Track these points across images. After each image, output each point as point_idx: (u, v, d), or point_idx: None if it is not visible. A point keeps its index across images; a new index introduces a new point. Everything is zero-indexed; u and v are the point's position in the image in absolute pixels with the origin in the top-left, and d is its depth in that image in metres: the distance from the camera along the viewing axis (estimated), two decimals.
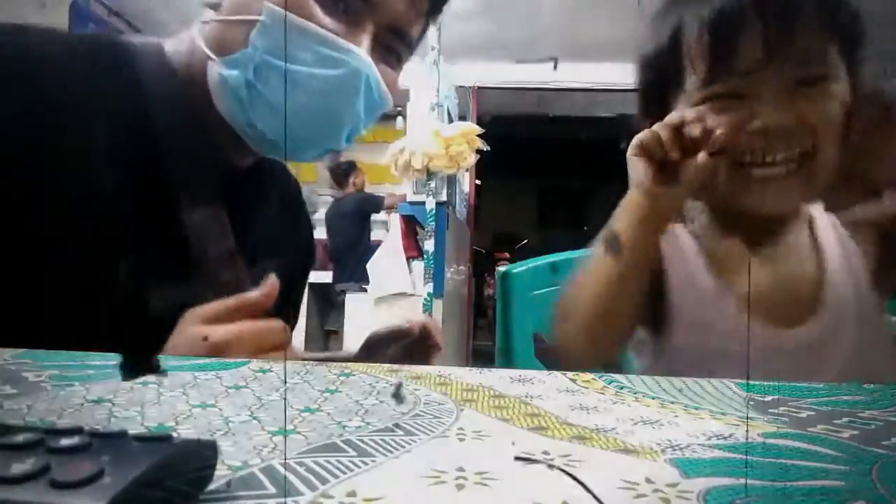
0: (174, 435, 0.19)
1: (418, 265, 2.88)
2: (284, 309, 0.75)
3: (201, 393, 0.33)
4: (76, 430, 0.18)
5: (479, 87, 4.31)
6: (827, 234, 0.65)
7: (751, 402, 0.34)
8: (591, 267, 0.59)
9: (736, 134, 0.57)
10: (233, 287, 0.55)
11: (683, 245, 0.66)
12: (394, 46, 0.60)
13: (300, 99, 0.54)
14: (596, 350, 0.61)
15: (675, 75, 0.63)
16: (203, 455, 0.20)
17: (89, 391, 0.32)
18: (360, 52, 0.55)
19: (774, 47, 0.56)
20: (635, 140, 0.57)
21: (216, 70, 0.54)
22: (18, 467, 0.16)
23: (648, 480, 0.22)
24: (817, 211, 0.67)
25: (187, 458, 0.19)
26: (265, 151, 0.60)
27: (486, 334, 5.58)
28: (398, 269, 2.95)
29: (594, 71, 4.24)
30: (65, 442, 0.18)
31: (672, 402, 0.34)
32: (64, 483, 0.15)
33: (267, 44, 0.52)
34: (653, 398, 0.35)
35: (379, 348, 0.69)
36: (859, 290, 0.63)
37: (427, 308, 2.72)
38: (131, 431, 0.19)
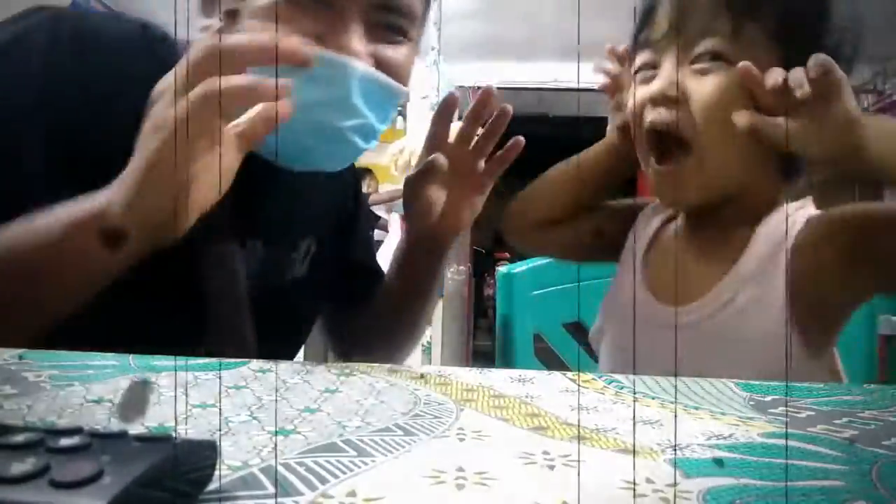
0: (174, 435, 0.19)
1: None
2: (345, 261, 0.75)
3: (201, 393, 0.33)
4: (76, 431, 0.18)
5: (479, 87, 4.32)
6: (765, 233, 0.62)
7: (751, 402, 0.34)
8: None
9: (641, 108, 0.62)
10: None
11: (647, 228, 0.73)
12: (392, 23, 0.57)
13: (302, 121, 0.49)
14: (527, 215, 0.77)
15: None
16: (203, 455, 0.20)
17: (89, 391, 0.32)
18: (352, 62, 0.52)
19: (677, 18, 0.59)
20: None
21: None
22: (18, 467, 0.16)
23: (648, 480, 0.22)
24: (781, 209, 0.64)
25: (187, 458, 0.19)
26: (288, 166, 0.58)
27: (486, 334, 5.58)
28: None
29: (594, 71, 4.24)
30: (65, 442, 0.18)
31: (672, 402, 0.34)
32: (64, 483, 0.15)
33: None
34: (653, 398, 0.35)
35: (418, 190, 0.65)
36: (768, 297, 0.60)
37: None
38: (131, 431, 0.19)
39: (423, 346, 2.71)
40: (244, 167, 0.52)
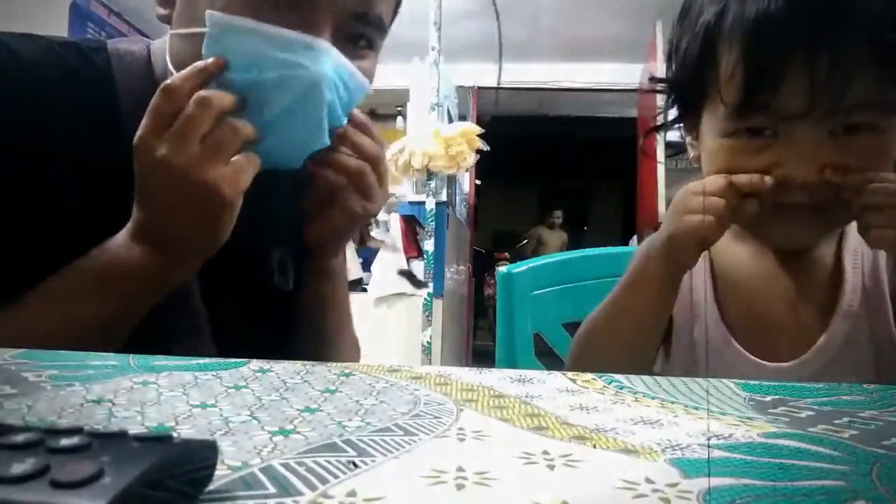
0: (174, 435, 0.19)
1: (418, 265, 2.88)
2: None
3: (201, 393, 0.33)
4: (76, 431, 0.18)
5: (479, 88, 4.31)
6: (856, 256, 0.60)
7: (751, 402, 0.34)
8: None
9: (761, 178, 0.53)
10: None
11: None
12: (361, 32, 0.56)
13: (272, 107, 0.51)
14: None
15: (703, 92, 0.57)
16: (203, 455, 0.20)
17: (89, 391, 0.32)
18: (321, 43, 0.52)
19: (820, 98, 0.49)
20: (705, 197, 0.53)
21: None
22: (18, 467, 0.16)
23: (648, 480, 0.22)
24: (848, 231, 0.61)
25: (187, 458, 0.19)
26: (260, 164, 0.57)
27: (486, 334, 5.58)
28: (398, 268, 2.94)
29: (594, 71, 4.25)
30: (65, 442, 0.17)
31: (672, 402, 0.34)
32: (64, 483, 0.15)
33: (220, 56, 0.50)
34: (653, 398, 0.35)
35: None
36: (877, 324, 0.58)
37: (427, 308, 2.72)
38: (131, 431, 0.19)
39: (423, 345, 2.71)
40: None
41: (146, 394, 0.32)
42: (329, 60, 0.52)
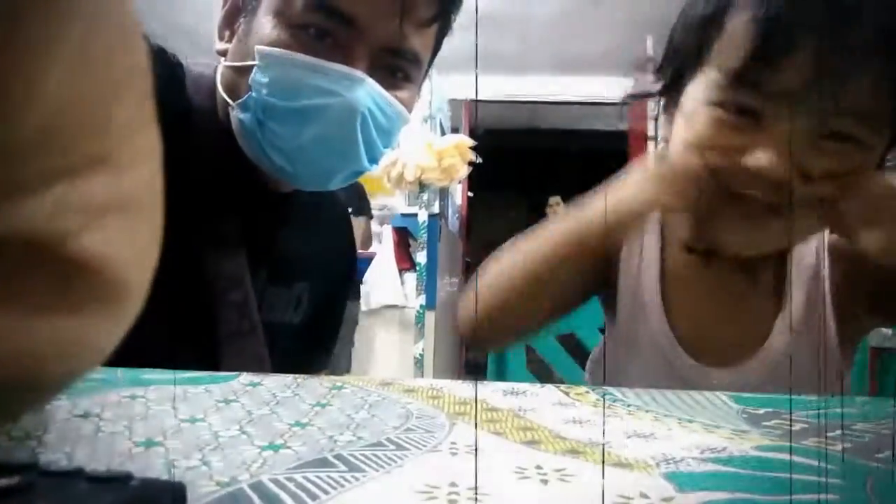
0: (133, 476, 0.18)
1: (411, 277, 2.88)
2: (319, 331, 0.74)
3: (191, 407, 0.33)
4: (27, 467, 0.17)
5: (471, 100, 4.33)
6: (798, 265, 0.60)
7: (744, 415, 0.34)
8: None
9: (733, 161, 0.50)
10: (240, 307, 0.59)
11: (646, 251, 0.63)
12: (396, 66, 0.58)
13: (310, 130, 0.55)
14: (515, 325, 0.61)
15: (699, 56, 0.54)
16: (163, 499, 0.18)
17: (76, 405, 0.32)
18: (357, 73, 0.55)
19: (817, 83, 0.47)
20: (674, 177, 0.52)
21: (234, 114, 0.58)
22: None
23: (643, 495, 0.22)
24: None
25: (145, 502, 0.17)
26: (292, 183, 0.61)
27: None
28: (390, 281, 2.94)
29: (586, 84, 4.28)
30: (2, 482, 0.16)
31: (666, 416, 0.34)
32: None
33: (267, 84, 0.54)
34: (646, 411, 0.35)
35: None
36: (819, 336, 0.58)
37: (419, 320, 2.72)
38: (91, 468, 0.18)
39: (415, 358, 2.70)
40: (255, 195, 0.59)
41: (134, 408, 0.32)
42: (364, 89, 0.55)
